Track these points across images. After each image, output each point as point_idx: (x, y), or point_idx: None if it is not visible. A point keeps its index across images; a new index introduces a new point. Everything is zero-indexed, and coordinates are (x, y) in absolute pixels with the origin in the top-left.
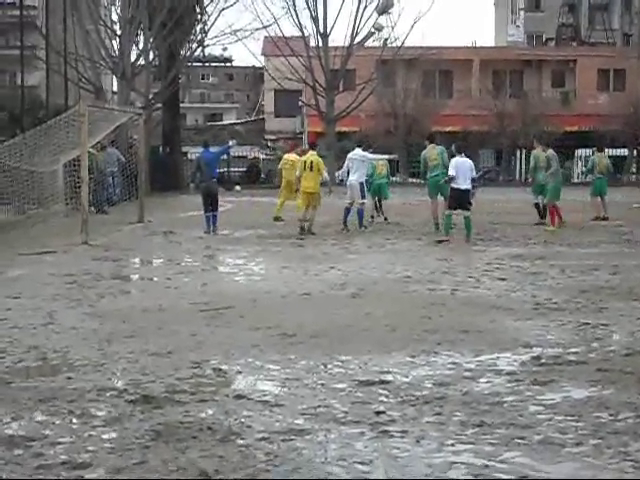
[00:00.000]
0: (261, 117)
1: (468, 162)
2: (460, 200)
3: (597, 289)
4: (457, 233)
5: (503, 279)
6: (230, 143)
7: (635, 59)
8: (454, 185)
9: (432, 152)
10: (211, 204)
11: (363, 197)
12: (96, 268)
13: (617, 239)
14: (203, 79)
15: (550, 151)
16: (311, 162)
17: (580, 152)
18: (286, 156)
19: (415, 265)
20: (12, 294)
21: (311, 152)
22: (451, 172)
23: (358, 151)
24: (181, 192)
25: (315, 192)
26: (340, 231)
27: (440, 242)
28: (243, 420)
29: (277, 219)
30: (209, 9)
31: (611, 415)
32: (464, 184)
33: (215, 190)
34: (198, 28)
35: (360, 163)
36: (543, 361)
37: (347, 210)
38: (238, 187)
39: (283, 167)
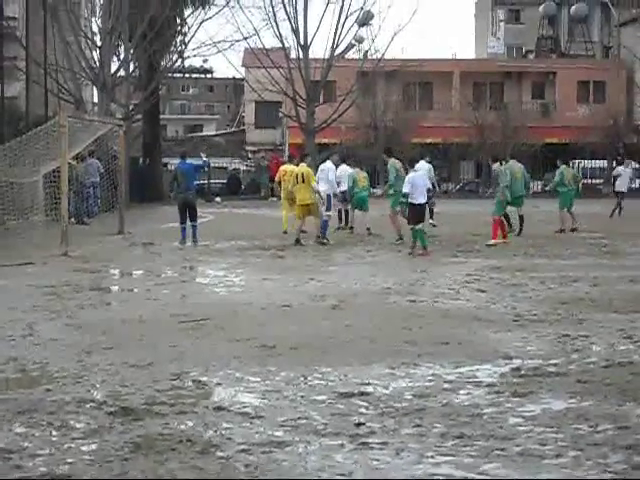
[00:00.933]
0: (241, 128)
1: (422, 175)
2: (420, 214)
3: (577, 301)
4: (432, 245)
5: (483, 291)
6: (203, 158)
7: (614, 71)
8: (411, 201)
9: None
10: (189, 215)
11: (328, 209)
12: (76, 279)
13: (597, 251)
14: (183, 90)
15: (497, 165)
16: (302, 174)
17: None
18: (283, 167)
19: (395, 277)
20: None
21: (302, 164)
22: (405, 189)
23: (328, 163)
24: (161, 203)
25: (311, 203)
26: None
27: (420, 255)
28: (223, 432)
29: (286, 232)
30: (189, 20)
31: (590, 427)
32: (421, 198)
33: (192, 202)
34: (178, 39)
35: (325, 174)
36: (523, 372)
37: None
38: (218, 199)
39: (282, 178)
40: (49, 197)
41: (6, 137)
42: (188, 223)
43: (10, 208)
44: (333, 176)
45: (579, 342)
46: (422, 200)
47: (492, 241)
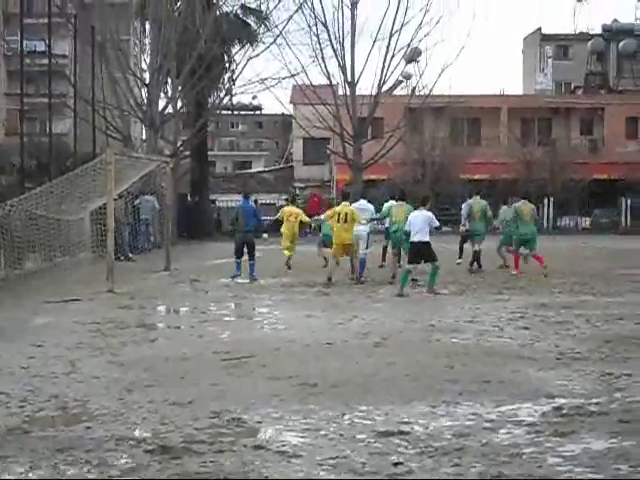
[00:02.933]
0: (290, 165)
1: (427, 215)
2: (419, 253)
3: (621, 339)
4: (478, 282)
5: (527, 328)
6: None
7: None
8: (412, 239)
9: (400, 209)
10: (248, 253)
11: (367, 247)
12: (121, 316)
13: None
14: (232, 127)
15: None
16: (345, 213)
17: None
18: (286, 209)
19: (439, 314)
20: (36, 342)
21: (344, 203)
22: (406, 227)
23: (362, 202)
24: (209, 240)
25: (352, 242)
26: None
27: (400, 296)
28: (261, 471)
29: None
30: (237, 57)
31: (631, 467)
32: (421, 237)
33: (250, 239)
34: (226, 77)
35: (365, 213)
36: (564, 412)
37: (361, 259)
38: (266, 235)
39: (287, 219)
40: (96, 234)
41: (54, 174)
42: (244, 259)
43: (57, 245)
44: (373, 214)
45: (622, 381)
46: (423, 239)
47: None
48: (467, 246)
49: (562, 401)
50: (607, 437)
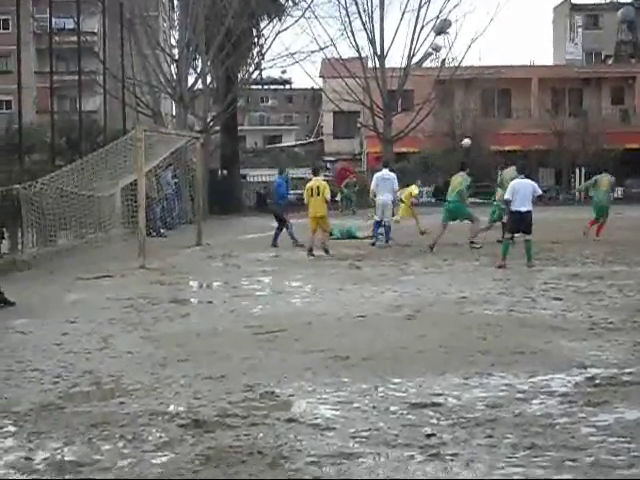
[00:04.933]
0: (320, 139)
1: (529, 183)
2: (520, 223)
3: None
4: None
5: (559, 299)
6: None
7: None
8: (513, 208)
9: (456, 179)
10: (278, 222)
11: (393, 215)
12: (153, 292)
13: None
14: (262, 102)
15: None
16: (317, 187)
17: None
18: (309, 184)
19: (471, 286)
20: (69, 318)
21: (315, 178)
22: (507, 196)
23: (385, 172)
24: (240, 215)
25: (323, 215)
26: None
27: (500, 267)
28: (293, 444)
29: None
30: (265, 32)
31: None
32: (524, 206)
33: (277, 211)
34: (255, 51)
35: (387, 182)
36: (597, 382)
37: (377, 225)
38: None
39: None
40: (127, 210)
41: (85, 151)
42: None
43: (88, 222)
44: (396, 185)
45: None
46: (524, 208)
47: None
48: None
49: (595, 371)
50: None
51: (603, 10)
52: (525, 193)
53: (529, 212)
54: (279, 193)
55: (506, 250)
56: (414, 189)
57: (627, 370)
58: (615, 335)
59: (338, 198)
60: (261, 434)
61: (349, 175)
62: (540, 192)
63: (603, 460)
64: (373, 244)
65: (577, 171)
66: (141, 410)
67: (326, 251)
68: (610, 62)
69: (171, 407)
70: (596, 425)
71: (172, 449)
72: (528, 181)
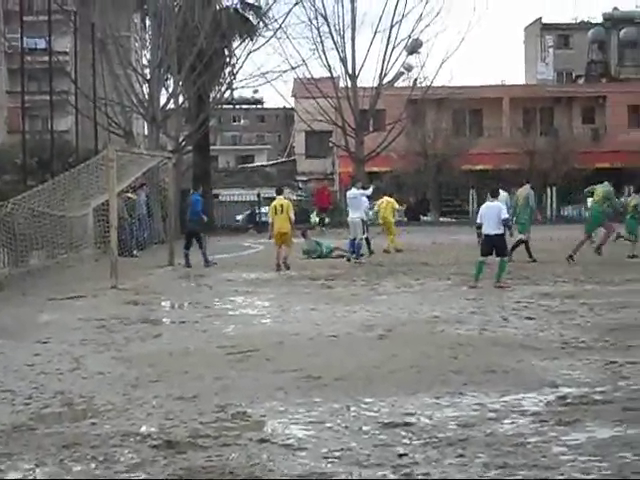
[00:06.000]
0: (292, 158)
1: (497, 207)
2: (491, 246)
3: (625, 327)
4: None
5: (531, 318)
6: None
7: None
8: (484, 232)
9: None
10: (188, 241)
11: (363, 233)
12: (125, 312)
13: None
14: (234, 121)
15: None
16: (281, 205)
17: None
18: (274, 203)
19: (443, 305)
20: (41, 339)
21: (278, 197)
22: (478, 220)
23: (354, 191)
24: (212, 234)
25: (287, 232)
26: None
27: (472, 287)
28: (266, 464)
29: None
30: (237, 52)
31: (635, 455)
32: (493, 230)
33: (193, 229)
34: (227, 71)
35: (356, 201)
36: (569, 401)
37: (353, 244)
38: None
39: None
40: (99, 230)
41: (56, 171)
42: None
43: (60, 242)
44: (366, 203)
45: (626, 369)
46: (493, 232)
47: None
48: None
49: (566, 390)
50: (611, 425)
51: (574, 30)
52: (492, 217)
53: (500, 235)
54: (195, 210)
55: (479, 272)
56: (395, 203)
57: (598, 389)
58: (586, 354)
59: (315, 218)
60: (233, 454)
61: (328, 200)
62: (505, 216)
63: (574, 479)
64: (349, 259)
65: (549, 190)
66: (113, 431)
67: (287, 267)
68: (581, 82)
69: (143, 428)
70: (567, 444)
71: (144, 470)
72: (497, 204)
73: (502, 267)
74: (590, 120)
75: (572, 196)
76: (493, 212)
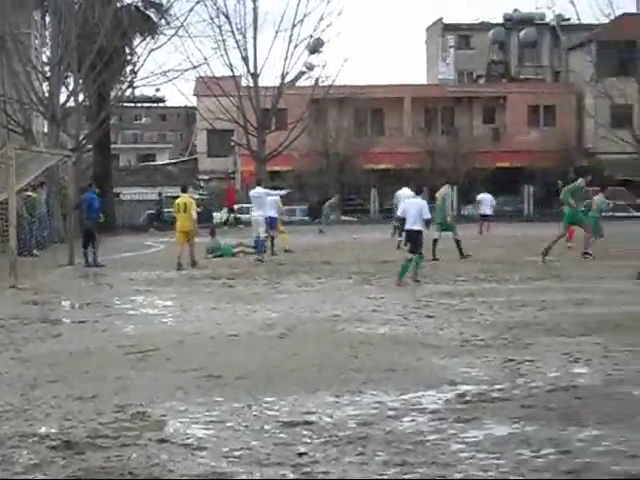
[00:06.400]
0: (194, 157)
1: (419, 203)
2: (411, 241)
3: (524, 325)
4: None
5: (431, 317)
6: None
7: (564, 95)
8: (406, 227)
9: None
10: (86, 239)
11: (266, 231)
12: (24, 312)
13: (547, 275)
14: (136, 120)
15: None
16: (185, 204)
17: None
18: (178, 200)
19: (344, 304)
20: None
21: (182, 195)
22: (399, 212)
23: (259, 189)
24: (113, 233)
25: (190, 230)
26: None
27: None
28: (165, 464)
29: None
30: (138, 50)
31: (533, 452)
32: (415, 225)
33: (89, 227)
34: (128, 69)
35: (259, 200)
36: (467, 398)
37: (259, 242)
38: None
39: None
40: None
41: None
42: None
43: None
44: (266, 200)
45: (525, 367)
46: (415, 227)
47: None
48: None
49: (465, 388)
50: (509, 423)
51: (475, 30)
52: (414, 213)
53: (418, 232)
54: (93, 208)
55: (410, 268)
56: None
57: (497, 386)
58: (485, 352)
59: (223, 217)
60: (133, 455)
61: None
62: (427, 216)
63: (473, 476)
64: (261, 260)
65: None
66: (11, 432)
67: (194, 264)
68: (481, 82)
69: (41, 428)
70: (466, 441)
71: (42, 471)
72: (419, 201)
73: (416, 264)
74: (490, 120)
75: (472, 195)
76: (415, 209)
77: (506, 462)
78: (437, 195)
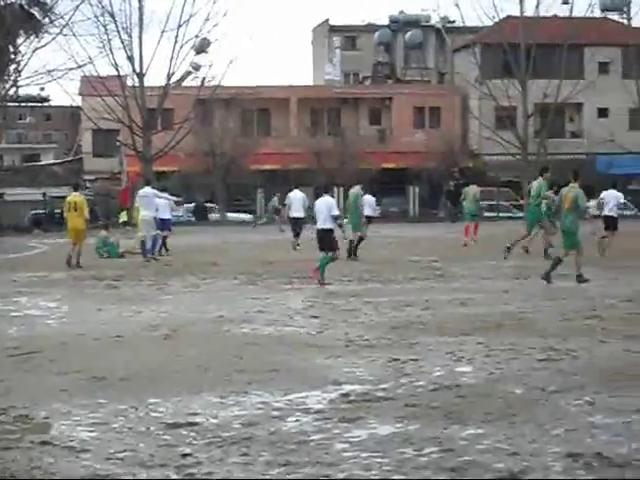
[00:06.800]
0: (79, 157)
1: (329, 201)
2: (321, 240)
3: (408, 325)
4: (272, 273)
5: (316, 317)
6: None
7: (449, 96)
8: (318, 226)
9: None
10: None
11: (155, 230)
12: None
13: (430, 275)
14: (20, 119)
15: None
16: (75, 202)
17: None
18: (69, 198)
19: (230, 305)
20: None
21: (74, 193)
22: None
23: (147, 189)
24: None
25: (82, 229)
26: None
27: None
28: (47, 467)
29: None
30: (22, 48)
31: (415, 450)
32: (324, 224)
33: None
34: (11, 68)
35: (146, 199)
36: (352, 398)
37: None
38: None
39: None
40: None
41: None
42: None
43: None
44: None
45: (409, 366)
46: (325, 226)
47: None
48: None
49: (349, 387)
50: (393, 422)
51: (360, 32)
52: (323, 211)
53: (328, 230)
54: None
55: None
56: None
57: (381, 386)
58: (370, 352)
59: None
60: (15, 457)
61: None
62: (336, 212)
63: (356, 475)
64: (155, 259)
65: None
66: None
67: (78, 264)
68: (367, 83)
69: None
70: (350, 441)
71: None
72: (328, 199)
73: (326, 262)
74: (376, 121)
75: None
76: (324, 207)
77: (389, 461)
78: (349, 195)
